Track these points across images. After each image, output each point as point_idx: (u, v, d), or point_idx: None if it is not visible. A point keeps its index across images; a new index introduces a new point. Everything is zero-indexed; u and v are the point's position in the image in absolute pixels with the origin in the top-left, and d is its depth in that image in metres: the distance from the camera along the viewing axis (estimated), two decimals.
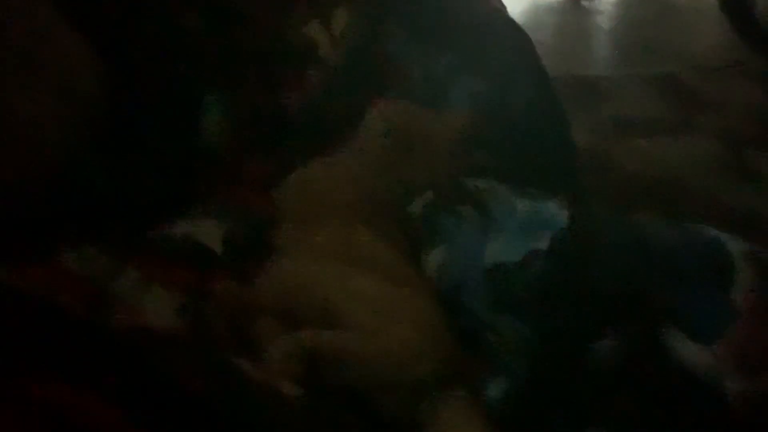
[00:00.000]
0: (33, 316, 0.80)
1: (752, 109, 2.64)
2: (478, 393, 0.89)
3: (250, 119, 1.24)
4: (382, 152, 1.18)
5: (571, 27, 3.30)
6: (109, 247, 0.92)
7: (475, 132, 1.26)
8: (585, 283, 0.87)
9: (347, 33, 1.35)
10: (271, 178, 1.17)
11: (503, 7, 1.47)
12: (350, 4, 1.37)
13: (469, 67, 1.34)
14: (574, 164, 1.47)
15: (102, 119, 1.05)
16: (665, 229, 0.90)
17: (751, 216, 2.19)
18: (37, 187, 0.97)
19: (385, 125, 1.20)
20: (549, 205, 1.03)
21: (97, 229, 0.95)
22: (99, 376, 0.75)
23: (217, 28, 1.24)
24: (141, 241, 0.98)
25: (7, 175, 0.94)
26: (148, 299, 0.86)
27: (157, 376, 0.77)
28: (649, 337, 0.79)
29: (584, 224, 0.95)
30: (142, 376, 0.77)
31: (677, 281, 0.83)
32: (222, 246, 1.04)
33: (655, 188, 2.41)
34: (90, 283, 0.86)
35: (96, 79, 1.09)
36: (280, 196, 1.13)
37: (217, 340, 0.84)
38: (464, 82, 1.33)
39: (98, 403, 0.74)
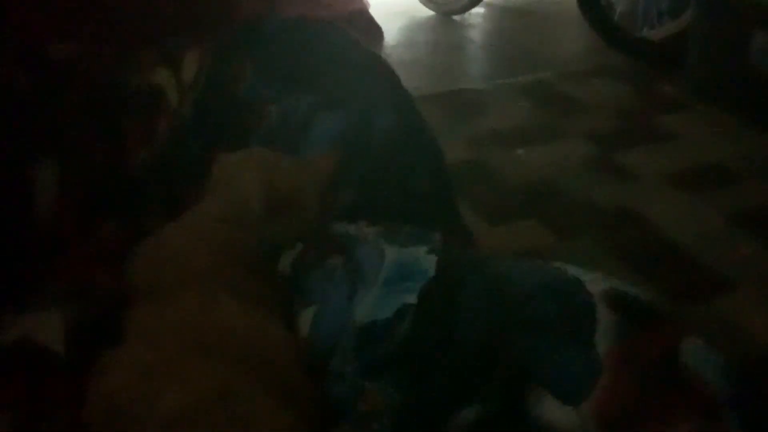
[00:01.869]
0: None
1: (618, 109, 2.66)
2: None
3: (91, 182, 1.08)
4: (245, 209, 1.03)
5: (445, 42, 3.26)
6: None
7: (342, 172, 1.14)
8: (451, 344, 0.77)
9: (197, 79, 1.21)
10: (121, 247, 1.02)
11: (359, 40, 1.36)
12: (201, 48, 1.24)
13: (329, 104, 1.23)
14: (448, 191, 1.38)
15: None
16: (525, 273, 0.81)
17: (622, 212, 2.20)
18: None
19: (248, 179, 1.05)
20: (418, 251, 0.93)
21: None
22: None
23: (46, 84, 1.08)
24: None
25: None
26: None
27: None
28: (509, 400, 0.69)
29: (450, 273, 0.85)
30: None
31: (537, 335, 0.74)
32: (65, 342, 0.87)
33: (533, 195, 2.38)
34: None
35: None
36: (129, 269, 0.97)
37: None
38: (325, 119, 1.22)
39: None
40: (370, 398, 0.80)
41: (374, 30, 3.14)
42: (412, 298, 0.85)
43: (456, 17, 3.39)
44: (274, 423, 0.75)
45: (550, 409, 0.67)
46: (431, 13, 3.40)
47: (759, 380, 1.41)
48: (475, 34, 3.35)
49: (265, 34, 1.32)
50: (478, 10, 3.44)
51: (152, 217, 1.08)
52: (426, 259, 0.91)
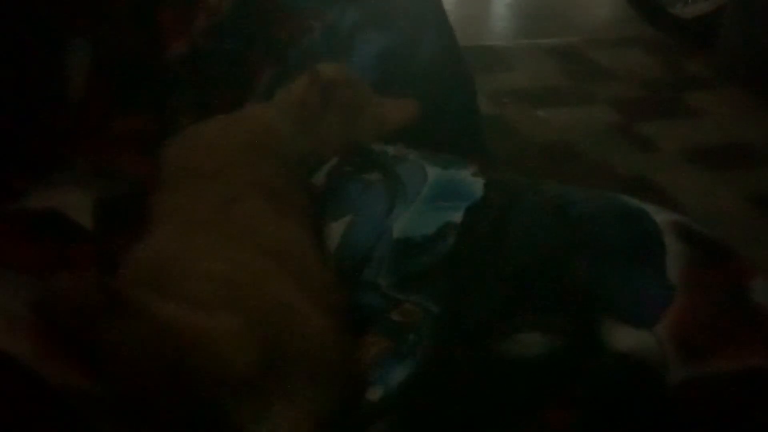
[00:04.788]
0: None
1: (645, 80, 2.60)
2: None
3: (123, 67, 1.03)
4: (301, 102, 0.99)
5: None
6: None
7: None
8: (501, 261, 0.73)
9: None
10: (148, 135, 0.97)
11: None
12: None
13: (374, 21, 1.17)
14: (480, 125, 1.34)
15: None
16: (585, 199, 0.77)
17: (640, 181, 2.17)
18: None
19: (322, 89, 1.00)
20: (462, 173, 0.89)
21: None
22: None
23: None
24: None
25: None
26: None
27: None
28: (581, 329, 0.66)
29: (500, 195, 0.81)
30: None
31: (604, 259, 0.70)
32: (93, 218, 0.84)
33: (551, 156, 2.34)
34: None
35: None
36: (167, 152, 0.94)
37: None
38: (370, 37, 1.17)
39: None
40: (405, 309, 0.76)
41: None
42: (457, 217, 0.81)
43: None
44: (313, 315, 0.72)
45: (624, 335, 0.64)
46: None
47: None
48: None
49: None
50: None
51: (183, 112, 1.04)
52: (473, 181, 0.87)
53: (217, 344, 0.62)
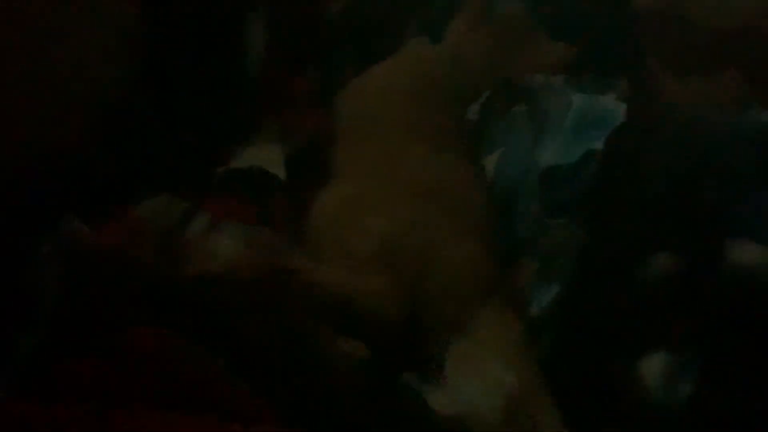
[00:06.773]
0: (111, 274, 0.80)
1: None
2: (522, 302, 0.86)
3: (294, 31, 1.18)
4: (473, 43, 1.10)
5: None
6: (181, 193, 0.91)
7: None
8: (638, 187, 0.81)
9: None
10: (317, 92, 1.12)
11: None
12: None
13: None
14: (635, 37, 1.35)
15: (140, 53, 1.02)
16: (719, 120, 0.81)
17: None
18: (91, 138, 0.97)
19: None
20: (606, 98, 0.95)
21: (168, 174, 0.96)
22: (177, 323, 0.77)
23: None
24: (210, 180, 0.99)
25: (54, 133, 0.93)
26: (218, 241, 0.85)
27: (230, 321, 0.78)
28: (705, 249, 0.72)
29: (640, 120, 0.87)
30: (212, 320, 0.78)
31: (731, 180, 0.75)
32: (285, 170, 1.03)
33: (730, 42, 2.21)
34: (161, 234, 0.85)
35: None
36: (337, 109, 1.09)
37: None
38: None
39: (183, 349, 0.76)
40: (553, 235, 0.87)
41: None
42: (599, 144, 0.89)
43: None
44: (459, 250, 0.86)
45: (747, 250, 0.70)
46: None
47: None
48: None
49: None
50: None
51: (346, 66, 1.17)
52: (614, 106, 0.93)
53: (365, 304, 0.80)
